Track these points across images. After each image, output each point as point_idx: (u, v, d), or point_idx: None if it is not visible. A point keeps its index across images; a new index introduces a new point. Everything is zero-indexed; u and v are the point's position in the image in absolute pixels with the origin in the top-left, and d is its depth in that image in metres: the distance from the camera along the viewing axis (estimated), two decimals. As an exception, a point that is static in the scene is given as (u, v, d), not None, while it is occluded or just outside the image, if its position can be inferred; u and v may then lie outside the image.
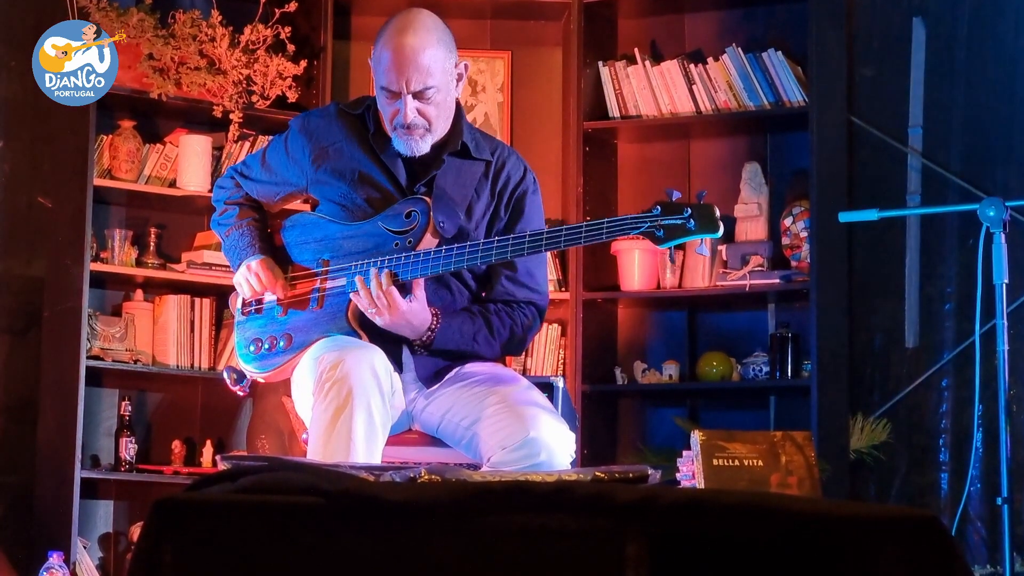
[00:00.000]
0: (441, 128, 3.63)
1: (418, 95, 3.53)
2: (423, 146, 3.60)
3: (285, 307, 3.68)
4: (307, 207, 3.83)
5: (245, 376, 3.73)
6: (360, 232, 3.61)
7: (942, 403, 5.68)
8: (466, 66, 3.67)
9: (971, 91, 5.73)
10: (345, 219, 3.65)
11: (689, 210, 3.33)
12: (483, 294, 3.70)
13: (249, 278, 3.70)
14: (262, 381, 3.77)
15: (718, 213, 3.35)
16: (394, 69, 3.51)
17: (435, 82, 3.53)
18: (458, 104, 3.70)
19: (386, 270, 3.48)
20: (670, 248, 3.37)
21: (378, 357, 3.44)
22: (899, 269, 5.76)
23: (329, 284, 3.63)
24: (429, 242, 3.53)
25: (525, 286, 3.68)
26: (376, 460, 3.36)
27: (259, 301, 3.74)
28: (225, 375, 3.76)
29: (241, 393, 3.78)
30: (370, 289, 3.47)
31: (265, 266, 3.69)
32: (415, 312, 3.50)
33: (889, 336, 5.76)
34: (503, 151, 3.75)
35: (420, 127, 3.56)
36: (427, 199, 3.56)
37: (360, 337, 3.54)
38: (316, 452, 3.36)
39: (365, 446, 3.33)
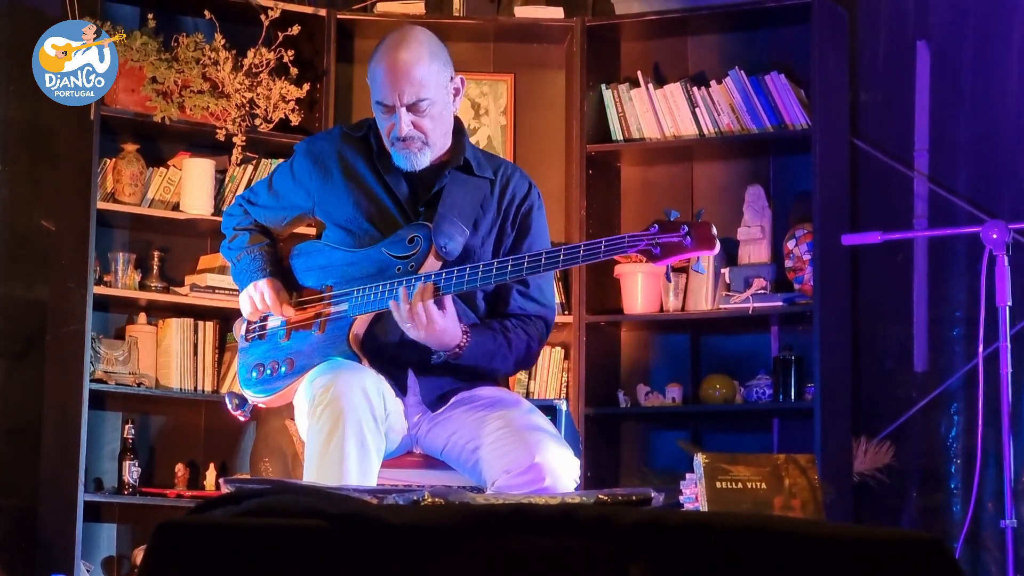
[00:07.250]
0: (440, 143, 3.64)
1: (412, 107, 3.55)
2: (422, 159, 3.61)
3: (288, 332, 3.69)
4: (313, 231, 3.82)
5: (247, 401, 3.74)
6: (364, 258, 3.62)
7: (946, 426, 5.67)
8: (462, 81, 3.69)
9: (977, 115, 5.73)
10: (351, 245, 3.66)
11: (686, 228, 3.34)
12: (496, 308, 3.71)
13: (254, 295, 3.70)
14: (263, 406, 3.77)
15: (715, 231, 3.36)
16: (387, 82, 3.54)
17: (429, 95, 3.55)
18: (459, 121, 3.73)
19: (430, 283, 3.48)
20: (668, 267, 3.39)
21: (369, 379, 3.45)
22: (905, 292, 5.76)
23: (332, 309, 3.63)
24: (432, 265, 3.54)
25: (536, 301, 3.70)
26: (370, 482, 3.36)
27: (263, 326, 3.74)
28: (227, 400, 3.76)
29: (242, 418, 3.78)
30: (410, 303, 3.47)
31: (271, 286, 3.69)
32: (447, 329, 3.50)
33: (893, 359, 5.75)
34: (507, 168, 3.77)
35: (417, 140, 3.58)
36: (429, 224, 3.57)
37: (360, 361, 3.55)
38: (310, 474, 3.37)
39: (358, 468, 3.34)
